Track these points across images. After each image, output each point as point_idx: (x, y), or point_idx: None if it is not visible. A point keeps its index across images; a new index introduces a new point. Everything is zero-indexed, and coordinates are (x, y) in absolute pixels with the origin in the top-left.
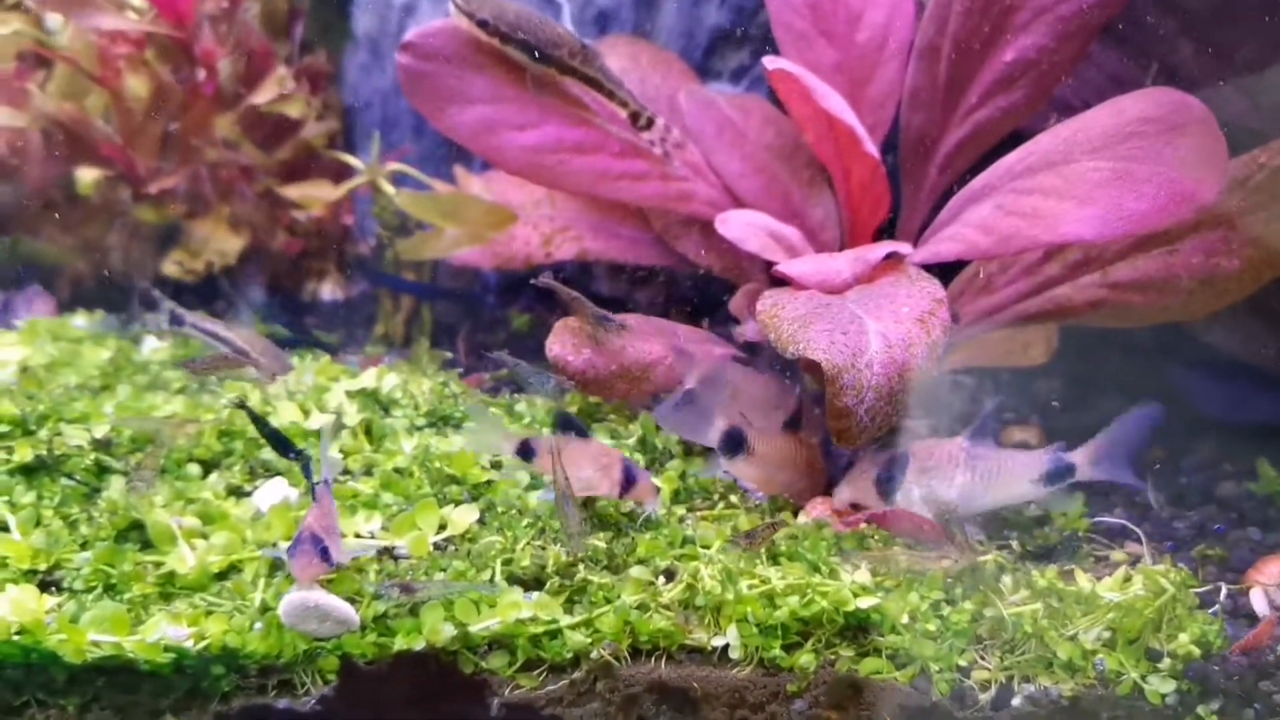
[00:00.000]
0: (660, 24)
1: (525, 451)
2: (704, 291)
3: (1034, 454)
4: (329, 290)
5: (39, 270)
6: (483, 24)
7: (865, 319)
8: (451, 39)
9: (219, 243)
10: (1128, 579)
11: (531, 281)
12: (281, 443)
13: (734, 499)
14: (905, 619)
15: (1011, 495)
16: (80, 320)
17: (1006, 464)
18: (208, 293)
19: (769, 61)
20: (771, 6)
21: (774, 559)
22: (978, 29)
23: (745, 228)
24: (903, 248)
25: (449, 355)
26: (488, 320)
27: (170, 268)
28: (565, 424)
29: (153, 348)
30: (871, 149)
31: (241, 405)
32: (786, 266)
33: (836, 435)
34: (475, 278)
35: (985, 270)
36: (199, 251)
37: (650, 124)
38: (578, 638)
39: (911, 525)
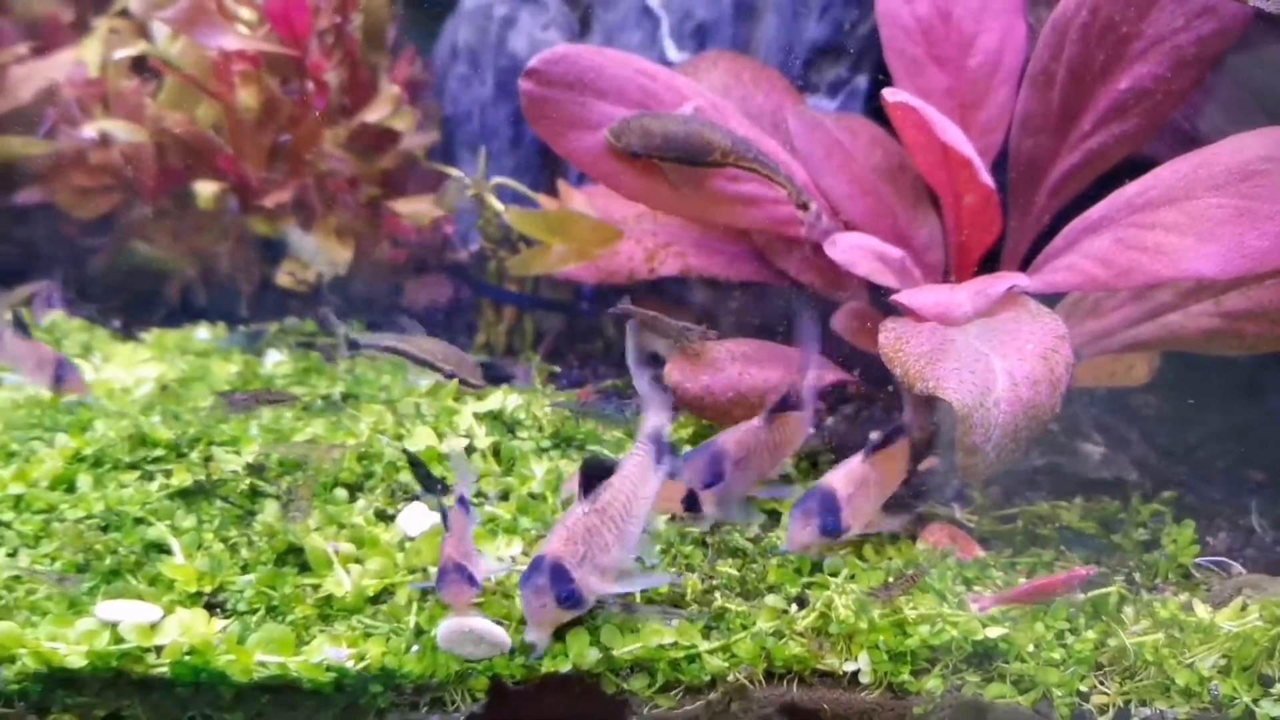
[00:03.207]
0: (759, 37)
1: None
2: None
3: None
4: (429, 298)
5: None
6: (634, 155)
7: (991, 356)
8: (575, 65)
9: (329, 253)
10: (1244, 608)
11: (609, 311)
12: (435, 486)
13: None
14: (1031, 648)
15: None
16: (203, 333)
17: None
18: (312, 302)
19: (889, 94)
20: (884, 32)
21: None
22: (1093, 56)
23: (854, 251)
24: (1020, 279)
25: (556, 369)
26: (584, 329)
27: (283, 279)
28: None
29: (275, 360)
30: (987, 178)
31: (409, 455)
32: (907, 298)
33: (963, 471)
34: (573, 287)
35: (1093, 293)
36: (310, 263)
37: (806, 206)
38: (715, 662)
39: (1041, 593)
